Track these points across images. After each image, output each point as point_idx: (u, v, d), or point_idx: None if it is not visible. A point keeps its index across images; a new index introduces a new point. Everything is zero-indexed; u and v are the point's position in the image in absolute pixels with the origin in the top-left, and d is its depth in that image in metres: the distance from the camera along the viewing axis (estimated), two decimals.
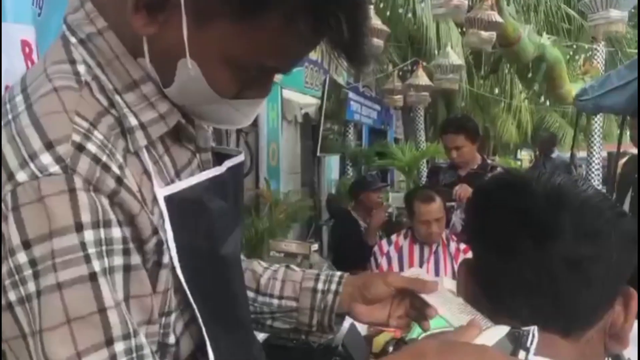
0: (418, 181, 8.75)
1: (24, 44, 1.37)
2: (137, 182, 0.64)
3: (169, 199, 0.67)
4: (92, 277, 0.56)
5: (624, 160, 4.41)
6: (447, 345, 0.61)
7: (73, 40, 0.66)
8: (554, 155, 7.98)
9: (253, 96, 0.71)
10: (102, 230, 0.58)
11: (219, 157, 0.82)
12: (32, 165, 0.56)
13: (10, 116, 0.61)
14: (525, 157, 21.02)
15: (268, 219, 4.39)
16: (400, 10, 7.96)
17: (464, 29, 5.63)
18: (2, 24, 1.37)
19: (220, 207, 0.75)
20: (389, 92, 8.06)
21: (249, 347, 0.84)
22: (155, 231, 0.64)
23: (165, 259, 0.66)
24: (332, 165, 8.77)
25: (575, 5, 8.24)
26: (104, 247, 0.58)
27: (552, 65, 6.33)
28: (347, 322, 2.01)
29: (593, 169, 7.91)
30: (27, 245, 0.55)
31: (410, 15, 8.22)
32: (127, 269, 0.60)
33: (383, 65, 8.76)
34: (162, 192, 0.67)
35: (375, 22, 5.37)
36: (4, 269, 0.56)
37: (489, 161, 3.62)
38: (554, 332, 0.66)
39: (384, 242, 3.13)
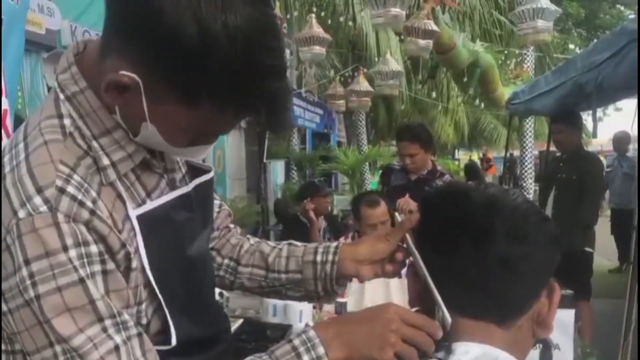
0: (361, 184, 8.94)
1: None
2: (109, 208, 0.82)
3: (140, 217, 0.85)
4: (81, 280, 0.75)
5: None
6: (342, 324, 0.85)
7: (62, 96, 0.84)
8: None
9: (203, 143, 0.87)
10: (82, 248, 0.76)
11: (193, 171, 1.02)
12: (28, 206, 0.75)
13: (14, 162, 0.79)
14: (463, 158, 21.71)
15: None
16: (341, 19, 8.14)
17: (403, 37, 5.82)
18: None
19: (186, 217, 0.93)
20: (332, 98, 8.19)
21: (213, 324, 1.00)
22: (123, 245, 0.81)
23: (134, 264, 0.82)
24: (277, 170, 8.82)
25: (507, 12, 8.65)
26: (85, 260, 0.76)
27: (485, 70, 6.61)
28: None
29: (526, 167, 8.33)
30: (27, 262, 0.73)
31: (350, 23, 8.41)
32: (104, 272, 0.78)
33: (325, 71, 8.91)
34: (134, 212, 0.85)
35: (317, 30, 5.49)
36: (9, 284, 0.74)
37: (438, 168, 3.68)
38: (490, 321, 0.77)
39: None
